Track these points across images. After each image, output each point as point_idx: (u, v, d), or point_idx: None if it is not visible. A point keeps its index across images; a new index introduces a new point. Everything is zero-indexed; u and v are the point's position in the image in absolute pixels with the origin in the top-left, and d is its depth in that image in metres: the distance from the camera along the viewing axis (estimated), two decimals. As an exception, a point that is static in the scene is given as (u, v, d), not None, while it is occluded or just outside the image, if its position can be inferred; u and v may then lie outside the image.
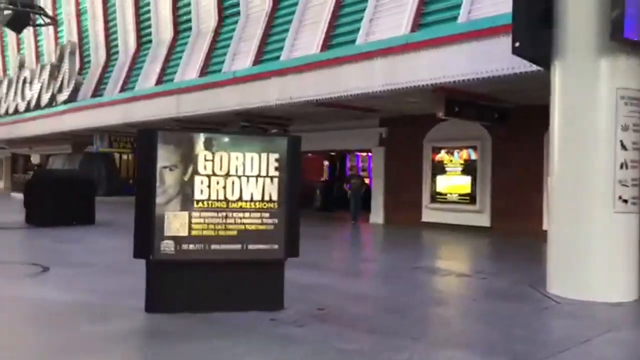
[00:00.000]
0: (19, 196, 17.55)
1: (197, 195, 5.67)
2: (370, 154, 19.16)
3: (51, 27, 27.57)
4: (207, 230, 5.70)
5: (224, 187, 5.71)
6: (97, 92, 24.96)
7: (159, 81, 21.03)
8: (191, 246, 5.67)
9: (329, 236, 14.24)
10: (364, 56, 11.72)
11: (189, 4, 20.95)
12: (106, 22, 25.60)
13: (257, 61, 17.09)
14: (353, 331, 5.29)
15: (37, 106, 27.26)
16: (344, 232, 15.42)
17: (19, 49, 33.36)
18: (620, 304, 6.54)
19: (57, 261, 8.87)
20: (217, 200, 5.71)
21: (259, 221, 5.78)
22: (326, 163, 23.90)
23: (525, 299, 6.83)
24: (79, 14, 27.36)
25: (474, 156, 14.68)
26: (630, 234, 6.82)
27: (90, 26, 26.50)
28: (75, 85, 25.54)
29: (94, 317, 5.58)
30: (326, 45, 15.20)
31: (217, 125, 17.23)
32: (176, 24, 21.72)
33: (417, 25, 13.17)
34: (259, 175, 5.76)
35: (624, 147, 6.70)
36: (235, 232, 5.74)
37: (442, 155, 15.29)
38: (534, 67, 8.10)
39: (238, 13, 18.95)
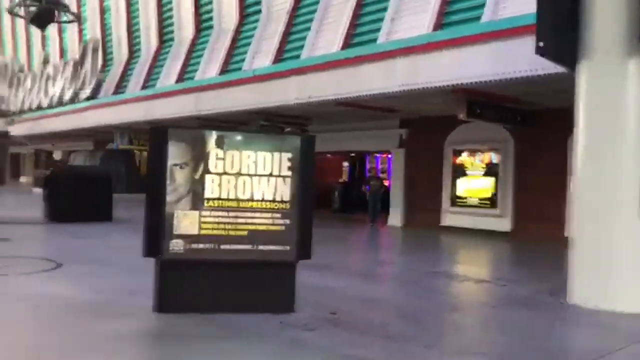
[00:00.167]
0: (40, 191, 17.66)
1: (208, 194, 5.55)
2: (389, 155, 18.92)
3: (75, 24, 27.78)
4: (217, 230, 5.58)
5: (235, 186, 5.58)
6: (119, 89, 25.09)
7: (179, 79, 21.06)
8: (201, 245, 5.56)
9: (346, 238, 14.08)
10: (384, 55, 11.53)
11: (210, 2, 20.94)
12: (129, 19, 25.73)
13: (278, 60, 16.98)
14: (365, 337, 5.13)
15: (60, 102, 27.54)
16: (361, 234, 15.24)
17: (43, 46, 33.74)
18: (645, 315, 6.28)
19: (71, 257, 8.85)
20: (228, 200, 5.58)
21: (270, 222, 5.64)
22: (345, 164, 23.71)
23: (546, 308, 6.60)
24: (103, 11, 27.55)
25: (495, 159, 14.39)
26: (656, 243, 6.55)
27: (114, 23, 26.67)
28: (97, 82, 25.73)
29: (101, 316, 5.49)
30: (347, 44, 15.03)
31: (236, 124, 17.15)
32: (198, 22, 21.73)
33: (439, 25, 12.95)
34: (270, 175, 5.62)
35: (651, 151, 6.44)
36: (245, 232, 5.62)
37: (463, 158, 15.02)
38: (559, 68, 7.84)
39: (259, 11, 18.88)
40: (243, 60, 18.50)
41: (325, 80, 12.68)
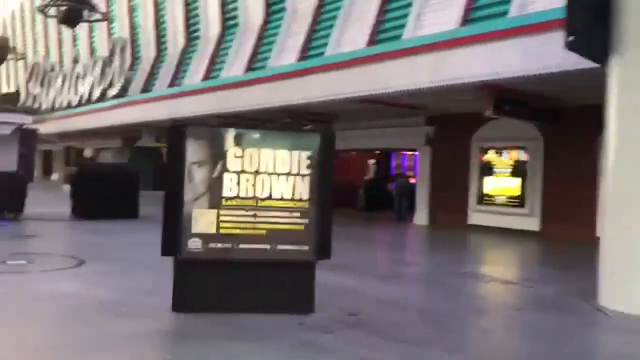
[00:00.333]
0: (69, 188, 17.89)
1: (226, 193, 5.48)
2: (416, 153, 18.69)
3: (104, 23, 28.11)
4: (235, 229, 5.51)
5: (254, 185, 5.51)
6: (147, 87, 25.30)
7: (205, 77, 21.11)
8: (219, 245, 5.50)
9: (370, 237, 13.93)
10: (409, 52, 11.34)
11: (236, 0, 20.94)
12: (156, 18, 25.91)
13: (303, 57, 16.86)
14: (385, 340, 5.00)
15: (89, 101, 27.89)
16: (385, 233, 15.06)
17: (74, 44, 34.23)
18: (679, 320, 6.03)
19: (94, 255, 8.91)
20: (247, 198, 5.51)
21: (289, 221, 5.55)
22: (371, 162, 23.51)
23: (575, 311, 6.38)
24: (131, 10, 27.80)
25: (524, 157, 14.09)
26: (691, 245, 6.28)
27: (142, 22, 26.90)
28: (125, 80, 25.96)
29: (117, 316, 5.47)
30: (372, 41, 14.85)
31: (261, 122, 17.11)
32: (224, 20, 21.75)
33: (466, 21, 12.69)
34: (289, 173, 5.53)
35: (687, 150, 6.18)
36: (264, 232, 5.54)
37: (491, 156, 14.74)
38: (589, 64, 7.57)
39: (284, 9, 18.81)
40: (268, 58, 18.45)
41: (349, 77, 12.53)
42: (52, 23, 32.68)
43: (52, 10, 22.86)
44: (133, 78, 26.51)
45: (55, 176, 39.00)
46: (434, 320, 5.80)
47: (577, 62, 7.94)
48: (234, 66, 19.80)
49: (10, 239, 10.88)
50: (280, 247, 5.56)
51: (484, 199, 14.78)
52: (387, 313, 6.06)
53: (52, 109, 32.80)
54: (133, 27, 27.75)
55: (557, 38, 7.28)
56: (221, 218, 5.49)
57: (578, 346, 5.10)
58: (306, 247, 5.58)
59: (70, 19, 22.17)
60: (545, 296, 7.16)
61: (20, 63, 40.98)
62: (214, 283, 5.55)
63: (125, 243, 10.60)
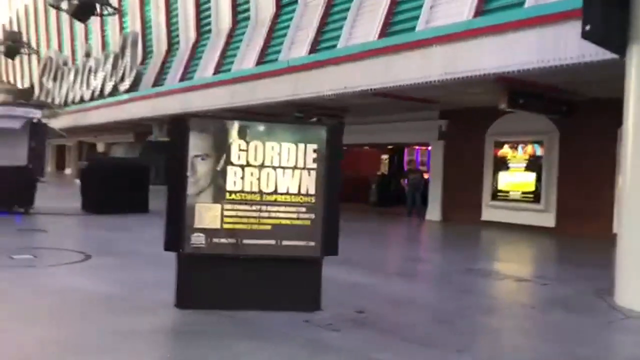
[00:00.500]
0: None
1: (230, 187, 5.33)
2: (429, 147, 18.45)
3: (116, 17, 28.10)
4: (239, 224, 5.36)
5: (259, 179, 5.35)
6: (159, 81, 25.25)
7: (217, 71, 21.01)
8: (223, 240, 5.36)
9: (381, 233, 13.74)
10: (422, 44, 11.10)
11: (247, -7, 20.82)
12: (168, 12, 25.84)
13: (314, 50, 16.70)
14: (392, 339, 4.83)
15: (101, 95, 27.91)
16: (397, 229, 14.87)
17: (86, 39, 34.27)
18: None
19: (101, 249, 8.82)
20: (251, 193, 5.35)
21: (295, 216, 5.39)
22: (384, 157, 23.30)
23: (590, 310, 6.17)
24: (143, 4, 27.76)
25: (539, 151, 13.79)
26: None
27: (153, 16, 26.84)
28: (136, 74, 25.92)
29: (120, 311, 5.35)
30: (384, 33, 14.64)
31: (271, 116, 16.96)
32: (235, 13, 21.62)
33: (480, 12, 12.44)
34: (295, 167, 5.36)
35: None
36: (269, 227, 5.38)
37: (505, 150, 14.46)
38: (607, 54, 7.33)
39: (296, 1, 18.63)
40: (279, 51, 18.30)
41: (361, 70, 12.32)
42: (65, 17, 32.77)
43: (64, 4, 22.88)
44: (144, 72, 26.47)
45: (68, 170, 39.20)
46: (444, 319, 5.62)
47: (596, 52, 7.72)
48: (245, 59, 19.66)
49: (19, 233, 10.83)
50: (286, 242, 5.40)
51: (498, 195, 14.52)
52: (396, 311, 5.89)
53: (65, 103, 32.88)
54: (145, 21, 27.71)
55: (575, 28, 7.05)
56: (225, 213, 5.34)
57: (594, 347, 4.89)
58: (312, 243, 5.42)
59: (83, 12, 22.19)
60: (560, 294, 6.95)
61: (34, 58, 41.15)
62: (218, 279, 5.41)
63: (134, 238, 10.53)
